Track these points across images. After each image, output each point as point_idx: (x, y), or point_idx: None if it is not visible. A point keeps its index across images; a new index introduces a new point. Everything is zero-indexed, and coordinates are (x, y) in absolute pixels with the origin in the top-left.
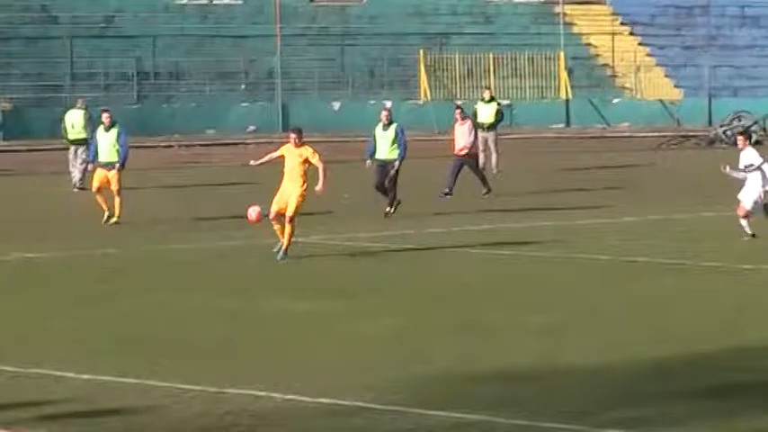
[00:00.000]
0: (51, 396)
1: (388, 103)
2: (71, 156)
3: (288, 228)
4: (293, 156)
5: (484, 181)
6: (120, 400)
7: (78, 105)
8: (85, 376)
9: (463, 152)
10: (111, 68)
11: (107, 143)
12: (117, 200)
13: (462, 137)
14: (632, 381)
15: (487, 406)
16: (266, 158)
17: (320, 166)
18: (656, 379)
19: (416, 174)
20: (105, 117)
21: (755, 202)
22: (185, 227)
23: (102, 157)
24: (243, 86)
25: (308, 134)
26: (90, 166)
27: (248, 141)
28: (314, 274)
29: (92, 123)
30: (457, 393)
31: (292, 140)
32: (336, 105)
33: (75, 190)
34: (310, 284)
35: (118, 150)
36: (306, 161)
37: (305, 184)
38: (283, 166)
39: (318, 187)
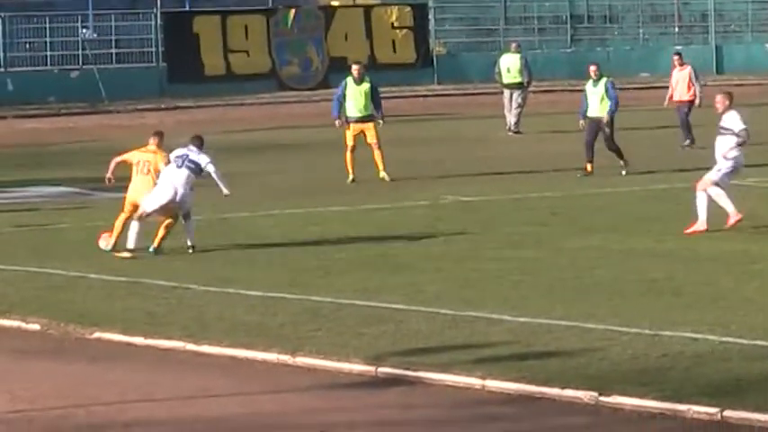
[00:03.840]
0: (487, 339)
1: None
2: (506, 100)
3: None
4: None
5: None
6: (557, 343)
7: (513, 49)
8: (522, 319)
9: None
10: (545, 12)
11: (359, 96)
12: (377, 153)
13: None
14: None
15: None
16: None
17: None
18: None
19: None
20: (355, 69)
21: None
22: (613, 171)
23: (353, 112)
24: (676, 29)
25: (742, 76)
26: (338, 123)
27: None
28: (750, 215)
29: (528, 68)
30: None
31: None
32: None
33: (510, 134)
34: (745, 226)
35: (370, 104)
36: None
37: None
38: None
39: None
